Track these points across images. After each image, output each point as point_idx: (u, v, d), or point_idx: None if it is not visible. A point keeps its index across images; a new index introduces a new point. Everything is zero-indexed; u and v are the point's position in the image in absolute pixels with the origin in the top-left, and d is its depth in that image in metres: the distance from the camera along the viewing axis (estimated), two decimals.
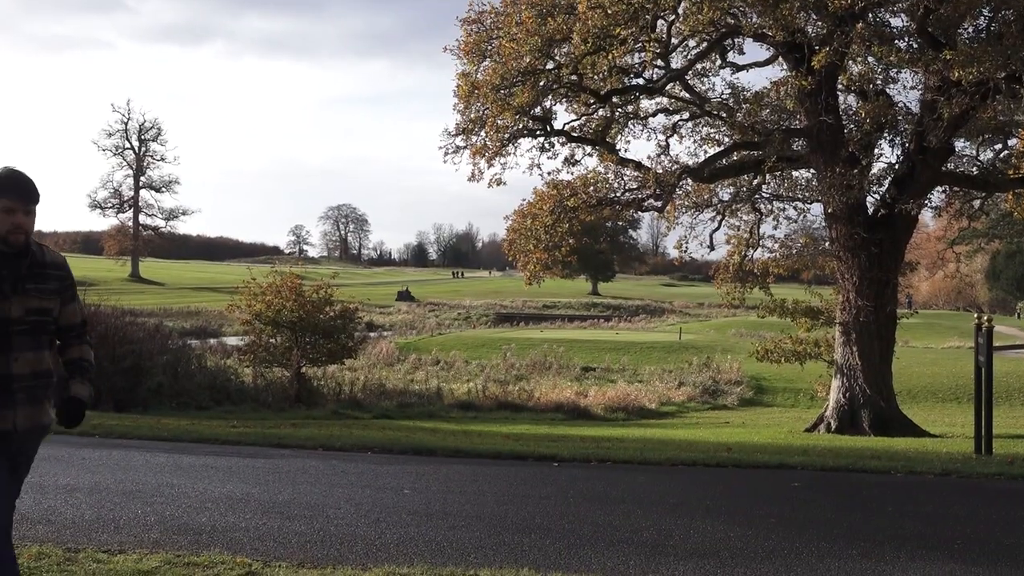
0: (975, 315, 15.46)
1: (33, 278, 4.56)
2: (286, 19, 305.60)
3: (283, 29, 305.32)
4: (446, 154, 20.53)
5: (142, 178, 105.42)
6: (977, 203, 23.44)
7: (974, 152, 21.11)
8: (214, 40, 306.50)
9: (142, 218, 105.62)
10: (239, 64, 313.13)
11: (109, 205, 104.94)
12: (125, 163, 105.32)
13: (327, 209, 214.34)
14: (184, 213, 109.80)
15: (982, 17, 16.96)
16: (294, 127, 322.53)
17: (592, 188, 20.63)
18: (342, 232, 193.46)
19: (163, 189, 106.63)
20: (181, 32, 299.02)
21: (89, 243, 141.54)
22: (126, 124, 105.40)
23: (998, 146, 21.01)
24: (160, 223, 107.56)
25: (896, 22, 17.73)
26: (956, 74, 14.98)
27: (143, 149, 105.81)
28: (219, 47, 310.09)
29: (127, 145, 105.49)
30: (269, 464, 10.92)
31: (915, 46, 16.99)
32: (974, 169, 20.74)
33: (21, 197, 4.47)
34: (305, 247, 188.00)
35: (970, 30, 17.25)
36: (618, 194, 20.88)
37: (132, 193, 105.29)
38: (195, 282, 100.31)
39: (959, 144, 19.98)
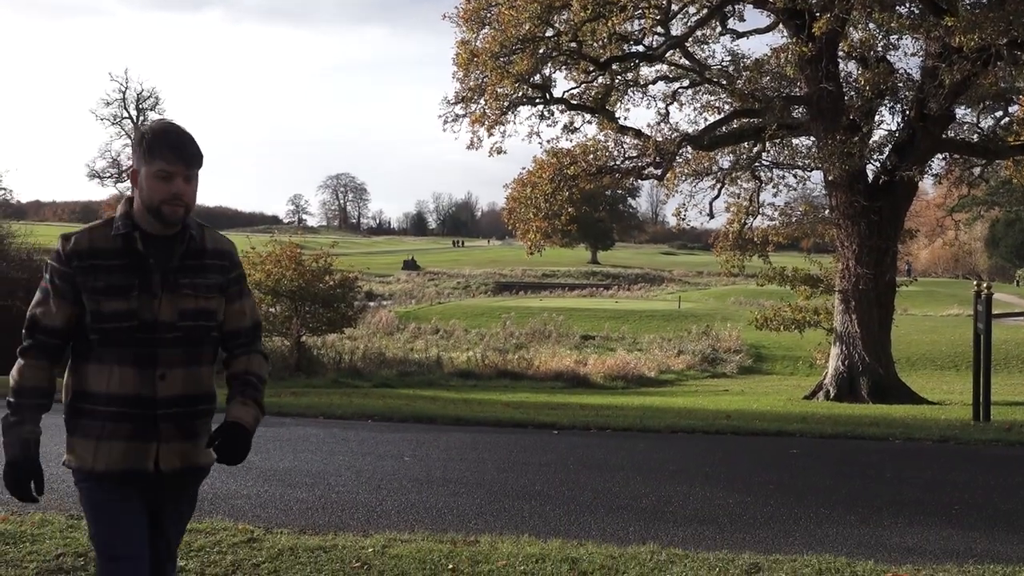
0: (974, 283, 15.47)
1: (189, 271, 3.49)
2: None
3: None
4: (445, 123, 20.46)
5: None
6: (977, 170, 23.40)
7: (975, 119, 21.03)
8: (213, 8, 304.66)
9: None
10: (237, 32, 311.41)
11: (108, 175, 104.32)
12: (123, 132, 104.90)
13: (326, 178, 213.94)
14: None
15: None
16: (293, 95, 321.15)
17: (592, 156, 20.58)
18: (341, 201, 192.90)
19: None
20: (180, 1, 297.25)
21: (88, 213, 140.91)
22: (124, 93, 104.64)
23: (999, 113, 20.94)
24: None
25: None
26: (957, 40, 14.92)
27: (141, 118, 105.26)
28: (218, 14, 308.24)
29: (125, 114, 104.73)
30: (270, 432, 10.96)
31: (916, 12, 16.91)
32: (974, 136, 20.69)
33: (181, 158, 3.41)
34: (304, 216, 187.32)
35: None
36: (618, 162, 20.82)
37: (131, 163, 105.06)
38: None
39: (960, 111, 19.93)
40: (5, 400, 3.40)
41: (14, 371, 3.42)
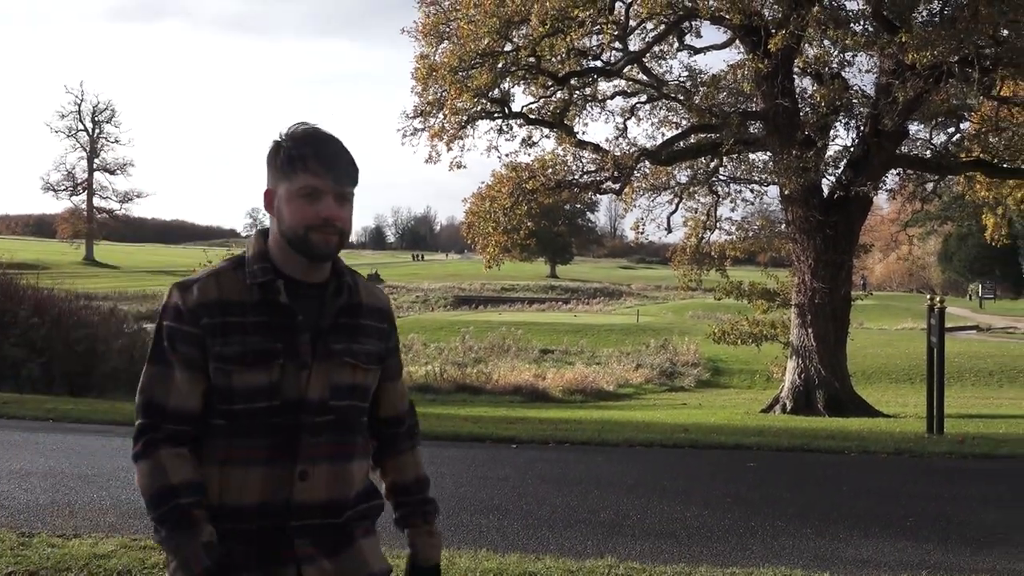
0: (928, 297, 15.65)
1: (344, 332, 2.62)
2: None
3: (242, 8, 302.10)
4: (404, 136, 20.46)
5: (96, 160, 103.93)
6: (930, 186, 23.69)
7: (927, 135, 21.34)
8: (171, 19, 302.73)
9: (96, 201, 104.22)
10: (197, 44, 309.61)
11: (62, 187, 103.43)
12: (79, 145, 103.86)
13: None
14: (139, 196, 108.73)
15: (936, 1, 17.11)
16: (251, 108, 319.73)
17: (550, 170, 20.62)
18: None
19: (117, 171, 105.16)
20: (137, 11, 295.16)
21: (42, 226, 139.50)
22: (79, 105, 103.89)
23: (951, 129, 21.27)
24: (115, 206, 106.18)
25: (852, 5, 17.97)
26: (910, 57, 15.12)
27: (97, 131, 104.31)
28: (177, 26, 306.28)
29: (80, 127, 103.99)
30: None
31: (870, 30, 17.12)
32: (927, 152, 20.96)
33: (331, 171, 2.54)
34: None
35: (924, 14, 17.40)
36: (576, 176, 20.89)
37: (86, 175, 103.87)
38: (150, 265, 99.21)
39: (913, 127, 20.21)
40: (152, 525, 2.50)
41: (146, 474, 2.47)
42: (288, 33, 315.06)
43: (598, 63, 20.07)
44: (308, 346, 2.52)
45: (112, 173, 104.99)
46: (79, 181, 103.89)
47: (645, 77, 20.60)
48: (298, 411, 2.49)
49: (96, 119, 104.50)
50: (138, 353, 23.48)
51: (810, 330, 18.82)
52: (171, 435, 2.48)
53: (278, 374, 2.48)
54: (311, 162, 2.52)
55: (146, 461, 2.47)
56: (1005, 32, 15.63)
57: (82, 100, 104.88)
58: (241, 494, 2.47)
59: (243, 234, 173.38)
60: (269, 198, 2.61)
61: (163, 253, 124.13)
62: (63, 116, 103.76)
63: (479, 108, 19.95)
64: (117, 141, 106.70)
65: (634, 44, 19.85)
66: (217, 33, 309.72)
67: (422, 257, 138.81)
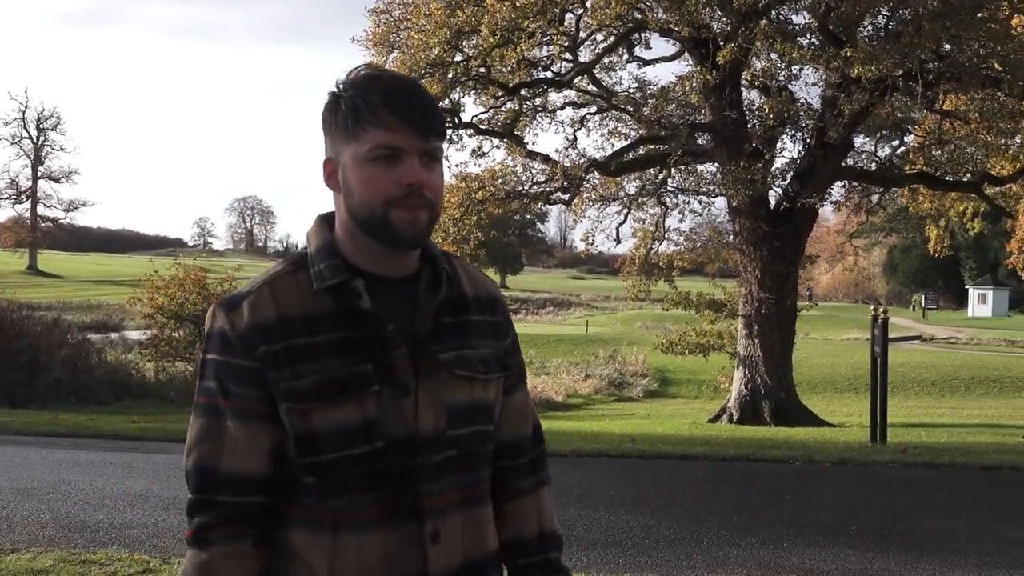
0: (872, 307, 15.85)
1: (451, 336, 1.98)
2: (196, 5, 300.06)
3: (193, 15, 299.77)
4: None
5: (40, 168, 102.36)
6: (875, 198, 24.03)
7: (872, 148, 21.62)
8: (120, 25, 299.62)
9: (40, 209, 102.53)
10: (146, 51, 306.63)
11: (5, 196, 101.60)
12: (23, 152, 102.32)
13: (232, 201, 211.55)
14: (84, 204, 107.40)
15: (881, 16, 17.36)
16: (201, 116, 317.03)
17: (500, 181, 20.65)
18: (248, 224, 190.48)
19: (62, 180, 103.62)
20: (86, 17, 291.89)
21: None
22: (23, 112, 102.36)
23: (895, 142, 21.57)
24: (59, 214, 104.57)
25: (798, 20, 18.09)
26: (856, 71, 15.32)
27: (41, 138, 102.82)
28: (125, 32, 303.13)
29: (25, 134, 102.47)
30: (171, 459, 10.73)
31: (817, 43, 17.32)
32: (872, 165, 21.24)
33: (412, 121, 1.88)
34: (210, 239, 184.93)
35: (869, 28, 17.64)
36: (526, 187, 20.93)
37: (30, 183, 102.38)
38: (95, 275, 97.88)
39: (858, 140, 20.45)
40: None
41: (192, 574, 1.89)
42: (239, 41, 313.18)
43: (548, 74, 20.15)
44: (407, 362, 1.90)
45: (57, 181, 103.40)
46: (23, 189, 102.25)
47: (595, 88, 20.69)
48: (411, 451, 1.87)
49: (41, 126, 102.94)
50: (82, 364, 23.22)
51: (757, 340, 18.98)
52: (228, 515, 1.88)
53: (374, 407, 1.86)
54: (384, 112, 1.88)
55: (194, 555, 1.89)
56: (947, 47, 15.90)
57: (27, 107, 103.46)
58: (366, 569, 1.87)
59: (190, 244, 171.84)
60: (329, 169, 1.97)
61: (108, 263, 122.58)
62: (7, 123, 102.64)
63: None
64: (62, 149, 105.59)
65: (584, 55, 19.96)
66: (167, 40, 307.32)
67: None
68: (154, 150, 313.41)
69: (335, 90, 1.96)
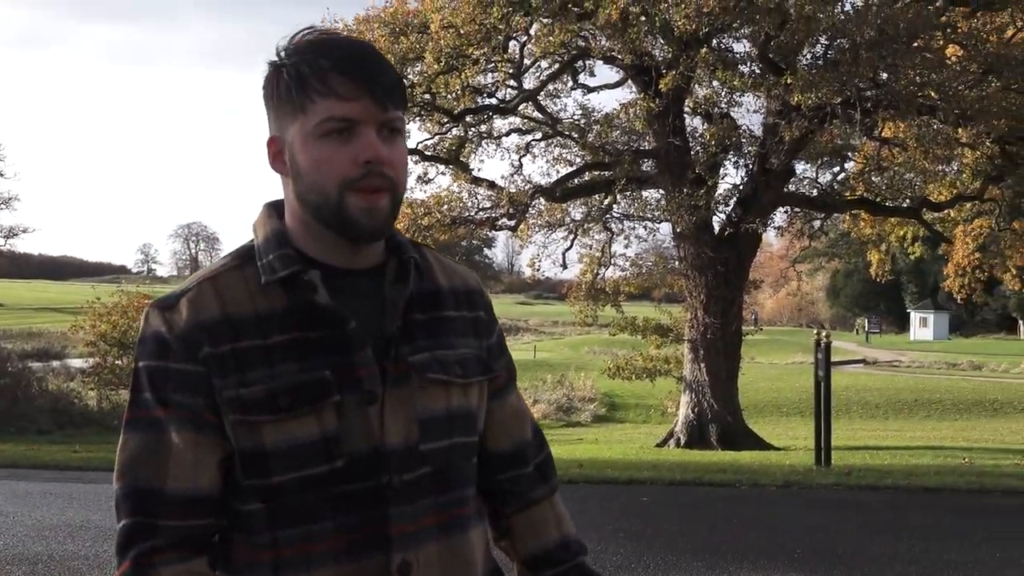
0: (815, 331, 16.02)
1: (423, 334, 1.72)
2: (132, 28, 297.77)
3: (133, 38, 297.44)
4: None
5: None
6: (817, 223, 24.34)
7: (814, 174, 21.90)
8: (56, 49, 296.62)
9: None
10: (83, 76, 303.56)
11: None
12: None
13: (177, 227, 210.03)
14: (25, 231, 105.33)
15: (819, 45, 17.62)
16: (141, 140, 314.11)
17: (446, 207, 20.64)
18: (192, 250, 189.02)
19: (2, 206, 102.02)
20: (20, 40, 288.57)
21: None
22: None
23: (836, 169, 21.87)
24: None
25: (739, 48, 18.30)
26: (796, 99, 15.53)
27: None
28: (62, 56, 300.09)
29: None
30: (113, 489, 10.56)
31: (757, 71, 17.54)
32: (814, 190, 21.50)
33: (368, 87, 1.61)
34: (154, 266, 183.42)
35: (808, 57, 17.89)
36: (472, 213, 20.95)
37: None
38: (36, 302, 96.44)
39: (799, 166, 20.68)
40: None
41: None
42: (180, 65, 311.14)
43: (493, 101, 20.21)
44: (373, 366, 1.63)
45: None
46: None
47: (540, 115, 20.79)
48: (376, 469, 1.60)
49: None
50: (22, 393, 22.83)
51: (703, 365, 19.10)
52: (177, 541, 1.58)
53: (335, 419, 1.59)
54: (334, 78, 1.61)
55: None
56: (884, 76, 16.16)
57: None
58: None
59: (134, 270, 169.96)
60: (274, 149, 1.71)
61: (50, 290, 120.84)
62: None
63: None
64: (2, 175, 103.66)
65: (529, 82, 20.06)
66: (108, 64, 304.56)
67: None
68: (96, 176, 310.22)
69: (276, 58, 1.69)
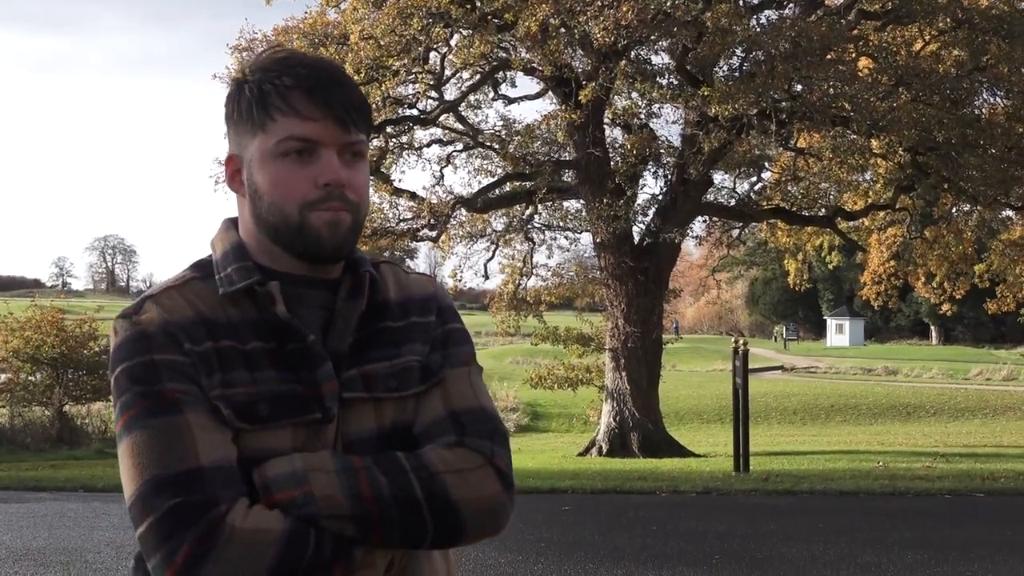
0: (732, 339, 16.26)
1: (377, 349, 1.66)
2: (48, 36, 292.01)
3: (45, 47, 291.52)
4: (216, 183, 20.05)
5: None
6: (735, 232, 24.71)
7: (731, 184, 22.23)
8: None
9: None
10: None
11: None
12: None
13: (93, 240, 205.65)
14: None
15: (735, 57, 17.91)
16: (57, 152, 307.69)
17: (367, 218, 20.56)
18: (109, 263, 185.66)
19: None
20: None
21: None
22: None
23: (753, 179, 22.21)
24: None
25: (657, 60, 18.55)
26: (713, 110, 15.75)
27: None
28: None
29: None
30: (24, 508, 10.35)
31: (675, 83, 17.76)
32: (732, 200, 21.82)
33: (330, 109, 1.59)
34: (69, 279, 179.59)
35: (725, 69, 18.17)
36: (393, 224, 20.89)
37: None
38: None
39: (717, 176, 20.97)
40: None
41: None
42: (95, 75, 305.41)
43: (414, 111, 20.19)
44: (334, 383, 1.59)
45: None
46: None
47: (461, 126, 20.84)
48: None
49: None
50: None
51: (624, 373, 19.24)
52: (235, 502, 1.46)
53: (303, 435, 1.55)
54: (297, 97, 1.58)
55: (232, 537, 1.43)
56: (799, 87, 16.48)
57: None
58: None
59: (48, 284, 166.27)
60: (232, 168, 1.67)
61: None
62: None
63: None
64: None
65: (450, 93, 20.10)
66: (19, 73, 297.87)
67: None
68: (8, 187, 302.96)
69: (239, 74, 1.65)
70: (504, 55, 18.37)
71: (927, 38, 18.51)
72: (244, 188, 1.65)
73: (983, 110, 18.28)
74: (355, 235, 1.63)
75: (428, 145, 21.58)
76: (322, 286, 1.66)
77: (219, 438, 1.49)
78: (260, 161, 1.60)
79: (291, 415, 1.54)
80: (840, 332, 78.94)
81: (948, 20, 17.18)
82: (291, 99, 1.57)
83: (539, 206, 21.12)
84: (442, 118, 20.51)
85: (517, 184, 20.83)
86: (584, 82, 17.18)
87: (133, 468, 1.47)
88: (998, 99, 18.25)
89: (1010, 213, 22.83)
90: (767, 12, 18.78)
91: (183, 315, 1.55)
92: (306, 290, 1.64)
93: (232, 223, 1.72)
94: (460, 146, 21.52)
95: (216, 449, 1.48)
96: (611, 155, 19.70)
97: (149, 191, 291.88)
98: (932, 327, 77.84)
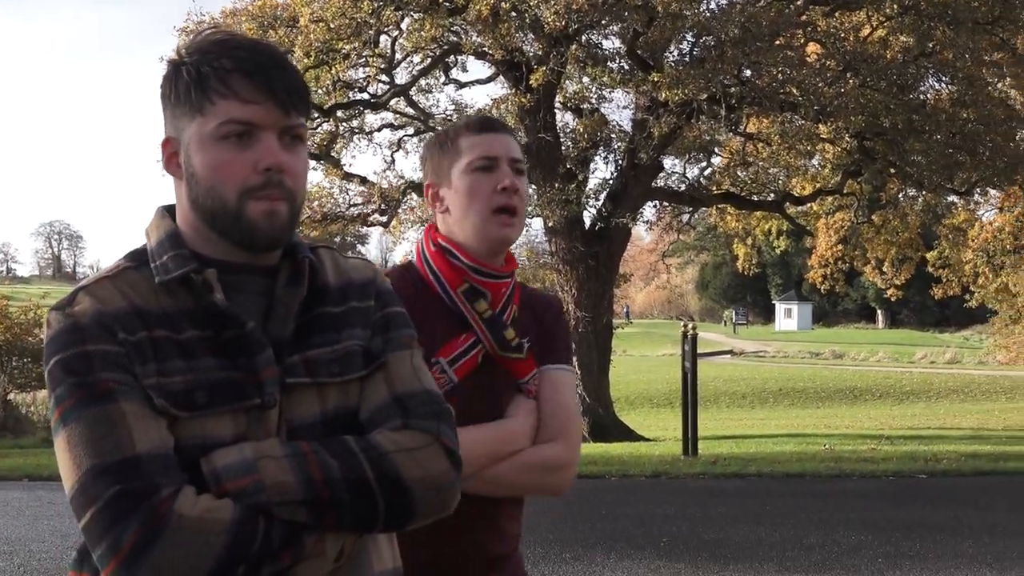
0: (682, 324, 16.37)
1: (318, 335, 1.66)
2: None
3: None
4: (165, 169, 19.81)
5: None
6: (685, 217, 24.83)
7: (682, 169, 22.31)
8: None
9: None
10: None
11: None
12: None
13: (39, 226, 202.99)
14: None
15: (686, 42, 17.97)
16: (1, 136, 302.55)
17: (316, 203, 20.43)
18: (55, 249, 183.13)
19: None
20: None
21: None
22: None
23: (703, 164, 22.32)
24: None
25: (608, 44, 18.55)
26: (663, 95, 15.79)
27: None
28: None
29: None
30: None
31: (626, 68, 17.79)
32: (682, 185, 21.90)
33: (271, 92, 1.57)
34: (14, 265, 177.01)
35: (675, 54, 18.22)
36: (343, 209, 20.78)
37: None
38: None
39: (668, 161, 21.02)
40: None
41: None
42: (37, 56, 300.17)
43: (364, 95, 20.07)
44: (275, 369, 1.58)
45: None
46: None
47: (412, 110, 20.74)
48: None
49: None
50: None
51: (574, 358, 19.27)
52: (179, 488, 1.46)
53: (245, 422, 1.55)
54: (237, 80, 1.56)
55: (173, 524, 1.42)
56: (748, 72, 16.58)
57: None
58: None
59: None
60: (169, 151, 1.65)
61: None
62: None
63: None
64: None
65: (401, 77, 19.97)
66: None
67: None
68: None
69: (176, 56, 1.62)
70: (455, 39, 18.29)
71: (874, 24, 18.66)
72: (181, 171, 1.63)
73: (929, 96, 18.47)
74: (292, 224, 1.63)
75: (379, 129, 21.48)
76: (260, 273, 1.65)
77: (154, 426, 1.48)
78: (198, 144, 1.59)
79: (230, 401, 1.54)
80: (788, 316, 79.87)
81: (895, 6, 17.32)
82: (231, 82, 1.56)
83: None
84: (393, 102, 20.41)
85: None
86: (535, 66, 17.14)
87: (71, 460, 1.46)
88: (943, 85, 18.47)
89: (954, 198, 23.16)
90: None
91: (117, 305, 1.54)
92: (244, 277, 1.63)
93: (167, 211, 1.71)
94: (411, 130, 21.43)
95: (151, 437, 1.47)
96: (562, 140, 19.69)
97: (96, 176, 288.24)
98: (879, 311, 78.95)
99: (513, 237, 2.39)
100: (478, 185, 2.34)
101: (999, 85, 19.71)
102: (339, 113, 20.02)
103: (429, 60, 19.62)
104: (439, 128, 19.66)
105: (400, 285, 2.06)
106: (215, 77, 1.56)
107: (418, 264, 2.41)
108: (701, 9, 16.32)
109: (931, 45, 17.35)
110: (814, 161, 21.66)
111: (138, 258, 1.64)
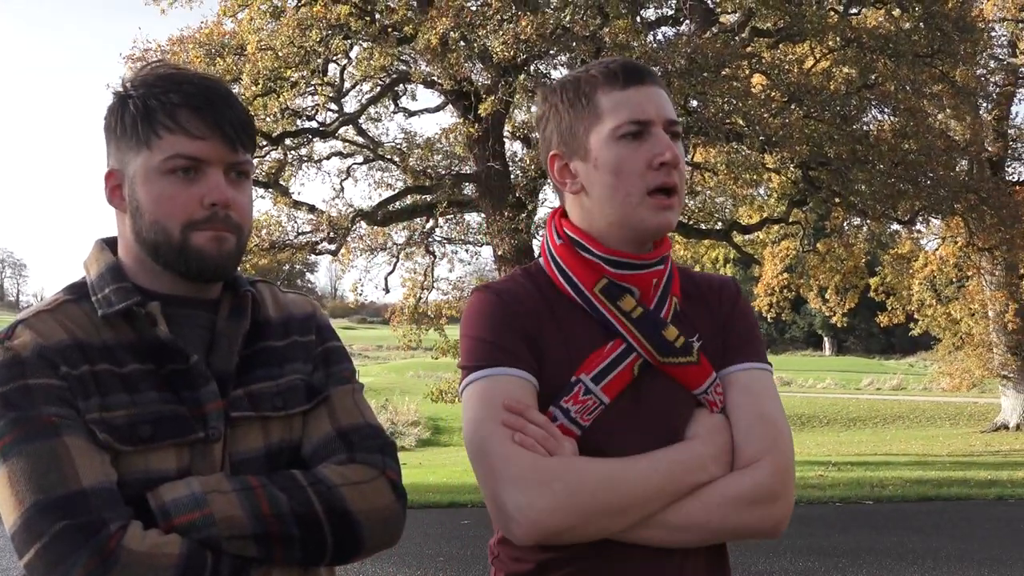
0: None
1: (261, 364, 1.70)
2: None
3: None
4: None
5: None
6: None
7: None
8: None
9: None
10: None
11: None
12: None
13: None
14: None
15: None
16: None
17: (264, 231, 20.31)
18: None
19: None
20: None
21: None
22: None
23: None
24: None
25: (556, 74, 18.66)
26: None
27: None
28: None
29: None
30: None
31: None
32: None
33: (217, 127, 1.60)
34: None
35: None
36: (292, 237, 20.67)
37: None
38: None
39: None
40: None
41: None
42: None
43: (313, 124, 20.02)
44: (219, 402, 1.59)
45: None
46: None
47: (361, 138, 20.73)
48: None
49: None
50: None
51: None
52: (125, 524, 1.45)
53: (188, 456, 1.55)
54: (184, 115, 1.56)
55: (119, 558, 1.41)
56: (695, 103, 16.76)
57: None
58: None
59: None
60: (113, 183, 1.65)
61: None
62: None
63: None
64: None
65: (350, 105, 19.97)
66: None
67: None
68: None
69: (121, 88, 1.64)
70: (404, 68, 18.34)
71: (818, 56, 18.98)
72: (125, 204, 1.65)
73: (871, 127, 18.78)
74: (239, 255, 1.66)
75: (328, 158, 21.46)
76: (203, 306, 1.67)
77: (98, 460, 1.48)
78: (144, 178, 1.60)
79: (174, 435, 1.55)
80: None
81: (838, 39, 17.62)
82: (178, 117, 1.58)
83: (440, 219, 21.11)
84: (342, 131, 20.39)
85: (418, 197, 20.77)
86: (484, 95, 17.21)
87: (13, 496, 1.44)
88: (885, 116, 18.80)
89: (897, 227, 23.52)
90: (664, 29, 19.08)
91: (58, 339, 1.53)
92: (187, 310, 1.65)
93: (106, 244, 1.71)
94: (360, 159, 21.43)
95: (96, 472, 1.46)
96: (511, 168, 19.76)
97: (41, 204, 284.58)
98: (825, 338, 79.62)
99: (672, 223, 1.92)
100: (628, 158, 1.86)
101: (939, 116, 20.11)
102: (287, 141, 19.95)
103: (378, 89, 19.65)
104: (388, 157, 19.71)
105: (523, 297, 1.85)
106: (163, 111, 1.59)
107: (544, 264, 2.01)
108: (648, 40, 16.53)
109: (873, 77, 17.68)
110: (760, 190, 21.94)
111: (77, 291, 1.64)
